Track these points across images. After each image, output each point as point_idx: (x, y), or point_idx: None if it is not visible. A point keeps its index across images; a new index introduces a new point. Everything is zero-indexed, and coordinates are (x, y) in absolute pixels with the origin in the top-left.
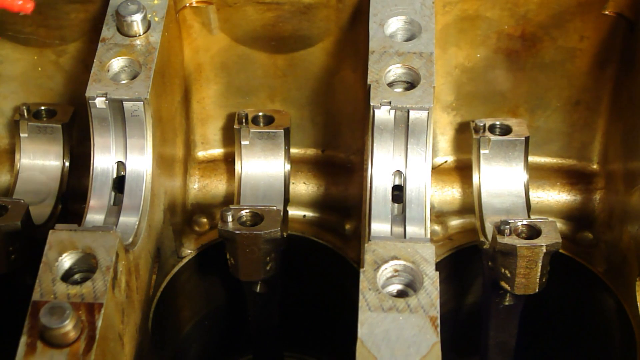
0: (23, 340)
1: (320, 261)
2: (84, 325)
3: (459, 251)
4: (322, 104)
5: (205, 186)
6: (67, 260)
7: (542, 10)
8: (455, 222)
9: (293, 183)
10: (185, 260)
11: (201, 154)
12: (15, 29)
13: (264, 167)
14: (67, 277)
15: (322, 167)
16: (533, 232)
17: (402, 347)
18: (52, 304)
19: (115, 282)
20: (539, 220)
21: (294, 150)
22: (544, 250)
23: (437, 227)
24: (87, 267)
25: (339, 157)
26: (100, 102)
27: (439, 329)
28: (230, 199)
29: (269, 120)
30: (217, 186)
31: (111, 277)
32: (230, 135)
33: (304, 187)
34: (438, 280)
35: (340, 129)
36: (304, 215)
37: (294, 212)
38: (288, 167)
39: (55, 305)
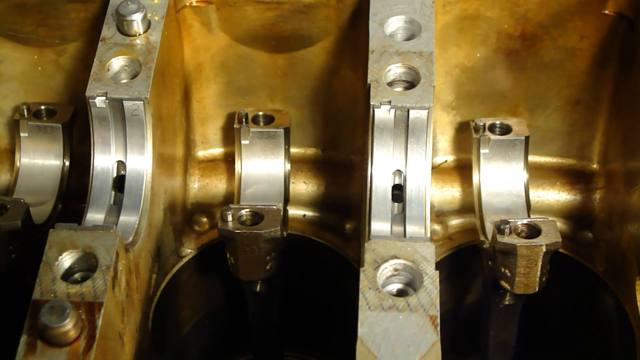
0: (23, 339)
1: (320, 261)
2: (84, 325)
3: (459, 250)
4: (322, 103)
5: (205, 186)
6: (67, 260)
7: (542, 10)
8: (455, 222)
9: (293, 182)
10: (185, 260)
11: (201, 153)
12: (15, 29)
13: (264, 166)
14: (67, 276)
15: (322, 166)
16: (533, 231)
17: (402, 346)
18: (52, 303)
19: (115, 282)
20: (538, 219)
21: (294, 150)
22: (544, 250)
23: (437, 227)
24: (87, 266)
25: (339, 156)
26: (100, 101)
27: (438, 328)
28: (230, 199)
29: (269, 120)
30: (217, 186)
31: (111, 276)
32: (230, 135)
33: (304, 186)
34: (438, 280)
35: (340, 129)
36: (304, 215)
37: (294, 211)
38: (288, 166)
39: (56, 305)
